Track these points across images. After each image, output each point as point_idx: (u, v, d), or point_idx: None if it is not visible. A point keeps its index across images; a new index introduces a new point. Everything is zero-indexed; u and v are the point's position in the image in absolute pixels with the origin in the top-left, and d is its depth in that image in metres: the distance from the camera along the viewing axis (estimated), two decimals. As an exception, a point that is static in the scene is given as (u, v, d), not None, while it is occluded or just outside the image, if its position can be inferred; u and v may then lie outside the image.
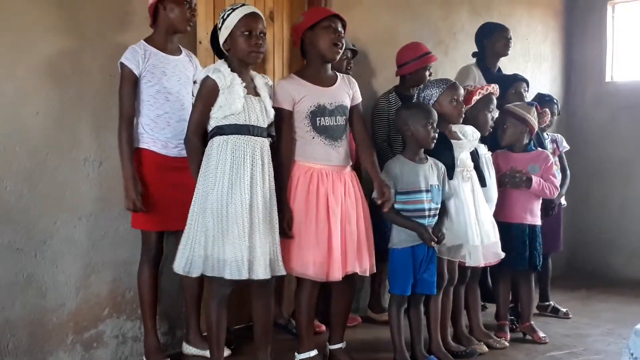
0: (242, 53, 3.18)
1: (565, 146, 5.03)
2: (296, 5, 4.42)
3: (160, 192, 3.34)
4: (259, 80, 3.29)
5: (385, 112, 4.34)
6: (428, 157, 3.59)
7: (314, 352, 3.44)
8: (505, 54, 4.93)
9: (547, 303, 4.93)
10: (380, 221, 3.70)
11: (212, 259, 3.05)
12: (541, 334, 4.21)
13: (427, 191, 3.50)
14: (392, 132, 4.29)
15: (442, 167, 3.61)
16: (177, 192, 3.31)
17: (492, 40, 4.85)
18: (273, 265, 3.16)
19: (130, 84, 3.29)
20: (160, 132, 3.36)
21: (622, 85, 6.52)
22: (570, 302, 5.18)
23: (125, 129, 3.28)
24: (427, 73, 4.46)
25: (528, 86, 4.69)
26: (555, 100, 5.03)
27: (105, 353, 3.51)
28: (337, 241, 3.33)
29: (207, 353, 3.41)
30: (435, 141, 3.53)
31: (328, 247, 3.30)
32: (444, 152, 3.63)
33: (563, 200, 4.93)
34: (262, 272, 3.09)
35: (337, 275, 3.32)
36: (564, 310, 4.86)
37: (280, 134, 3.35)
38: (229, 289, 3.19)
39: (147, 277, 3.41)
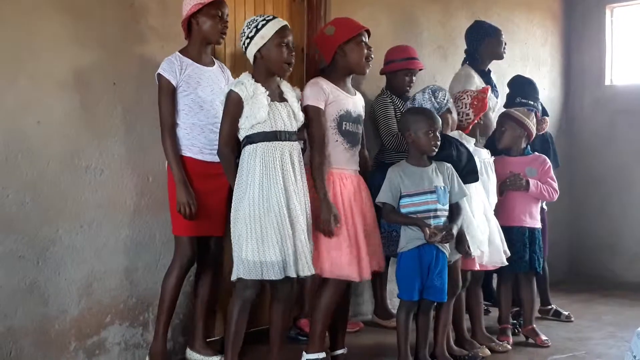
0: (275, 64, 3.25)
1: None
2: (295, 12, 4.43)
3: (197, 199, 3.36)
4: (285, 86, 3.36)
5: (390, 106, 4.35)
6: (433, 161, 3.58)
7: (322, 355, 3.43)
8: (503, 57, 4.79)
9: (549, 307, 4.93)
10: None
11: (246, 262, 3.12)
12: (543, 337, 4.22)
13: (432, 192, 3.50)
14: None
15: (450, 168, 3.60)
16: (211, 199, 3.40)
17: (492, 42, 4.67)
18: (310, 264, 3.24)
19: (168, 94, 3.36)
20: (195, 138, 3.41)
21: (622, 88, 6.53)
22: (572, 305, 5.18)
23: (169, 137, 3.36)
24: (407, 79, 4.44)
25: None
26: (535, 109, 4.70)
27: (108, 360, 3.52)
28: (363, 242, 3.40)
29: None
30: (436, 149, 3.52)
31: (357, 248, 3.36)
32: (465, 155, 3.68)
33: (544, 205, 4.79)
34: (305, 270, 3.19)
35: (367, 274, 3.41)
36: (566, 313, 4.87)
37: (317, 132, 3.35)
38: (254, 292, 3.25)
39: (174, 283, 3.42)
